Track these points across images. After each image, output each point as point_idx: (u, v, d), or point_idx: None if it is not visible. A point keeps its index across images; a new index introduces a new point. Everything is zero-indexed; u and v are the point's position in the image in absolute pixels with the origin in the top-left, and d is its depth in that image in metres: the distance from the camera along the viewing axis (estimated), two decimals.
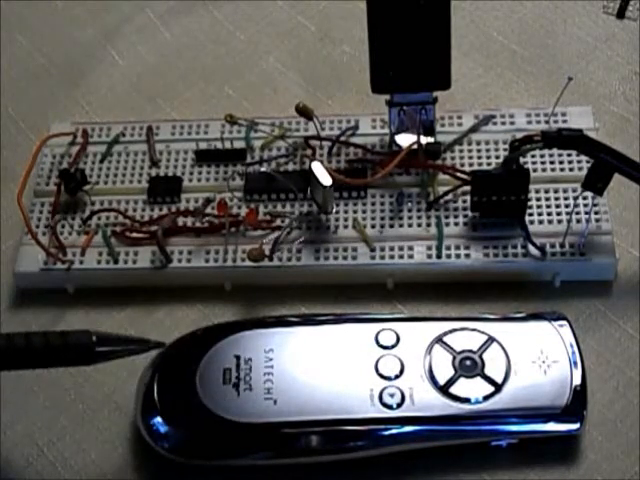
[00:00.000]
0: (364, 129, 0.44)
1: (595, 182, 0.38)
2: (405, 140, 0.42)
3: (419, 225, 0.41)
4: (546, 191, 0.41)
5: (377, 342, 0.37)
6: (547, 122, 0.43)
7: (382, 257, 0.40)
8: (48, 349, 0.34)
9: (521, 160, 0.39)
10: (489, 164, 0.42)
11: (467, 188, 0.40)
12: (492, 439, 0.35)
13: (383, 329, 0.37)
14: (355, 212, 0.41)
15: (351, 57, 0.48)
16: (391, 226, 0.41)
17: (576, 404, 0.35)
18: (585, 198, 0.40)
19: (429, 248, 0.40)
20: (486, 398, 0.35)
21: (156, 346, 0.36)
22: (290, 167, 0.43)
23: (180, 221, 0.42)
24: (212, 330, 0.38)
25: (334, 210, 0.41)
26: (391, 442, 0.35)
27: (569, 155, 0.42)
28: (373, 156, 0.43)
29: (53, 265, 0.41)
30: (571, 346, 0.36)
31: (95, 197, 0.43)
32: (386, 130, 0.43)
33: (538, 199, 0.41)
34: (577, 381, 0.35)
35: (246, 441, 0.35)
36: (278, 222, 0.41)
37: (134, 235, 0.41)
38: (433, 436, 0.35)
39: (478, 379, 0.36)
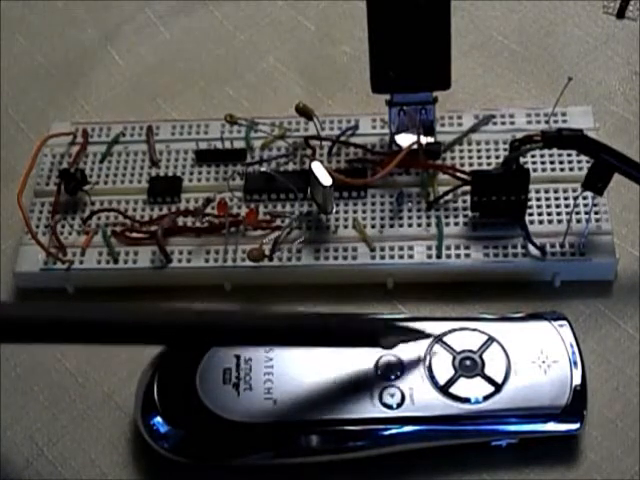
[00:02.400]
0: (364, 129, 0.44)
1: (595, 182, 0.38)
2: (405, 140, 0.42)
3: (419, 225, 0.41)
4: (546, 191, 0.41)
5: None
6: (547, 122, 0.43)
7: (382, 257, 0.40)
8: (345, 330, 0.35)
9: (521, 160, 0.39)
10: (489, 164, 0.42)
11: (467, 188, 0.40)
12: (492, 439, 0.35)
13: None
14: (355, 212, 0.41)
15: (351, 57, 0.48)
16: (391, 226, 0.41)
17: (576, 404, 0.35)
18: (585, 198, 0.40)
19: (429, 248, 0.40)
20: (486, 398, 0.35)
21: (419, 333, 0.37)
22: (290, 167, 0.43)
23: (180, 221, 0.42)
24: None
25: (334, 210, 0.41)
26: (391, 442, 0.35)
27: (569, 155, 0.42)
28: (373, 156, 0.43)
29: (53, 265, 0.41)
30: (571, 346, 0.36)
31: (95, 197, 0.43)
32: (386, 130, 0.43)
33: (538, 199, 0.41)
34: (577, 381, 0.35)
35: (246, 441, 0.35)
36: (278, 222, 0.41)
37: (134, 235, 0.41)
38: (433, 436, 0.35)
39: (478, 379, 0.36)
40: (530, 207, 0.40)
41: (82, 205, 0.43)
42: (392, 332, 0.36)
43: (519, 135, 0.40)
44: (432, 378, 0.36)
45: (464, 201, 0.41)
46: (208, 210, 0.41)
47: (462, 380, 0.36)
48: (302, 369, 0.36)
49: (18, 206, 0.40)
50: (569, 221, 0.40)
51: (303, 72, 0.48)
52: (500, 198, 0.39)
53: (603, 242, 0.39)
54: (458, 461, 0.36)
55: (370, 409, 0.35)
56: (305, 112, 0.43)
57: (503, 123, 0.43)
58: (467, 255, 0.40)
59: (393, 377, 0.36)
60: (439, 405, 0.35)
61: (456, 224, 0.40)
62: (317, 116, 0.43)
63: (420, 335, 0.36)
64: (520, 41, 0.48)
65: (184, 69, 0.49)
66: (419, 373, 0.36)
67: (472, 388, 0.35)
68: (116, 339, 0.33)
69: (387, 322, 0.36)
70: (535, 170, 0.41)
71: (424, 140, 0.42)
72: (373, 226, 0.41)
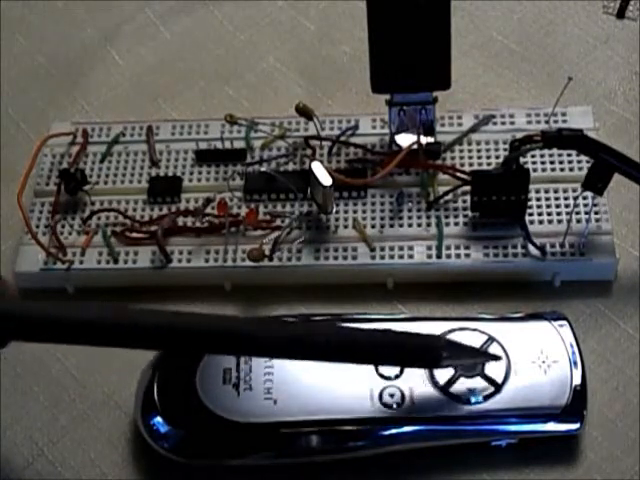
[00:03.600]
0: (364, 129, 0.44)
1: (595, 182, 0.38)
2: (405, 140, 0.42)
3: (419, 225, 0.41)
4: (546, 191, 0.41)
5: None
6: (547, 122, 0.43)
7: (382, 257, 0.40)
8: (401, 347, 0.34)
9: (521, 160, 0.39)
10: (489, 164, 0.42)
11: (467, 188, 0.40)
12: (492, 439, 0.35)
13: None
14: (355, 212, 0.41)
15: (351, 57, 0.48)
16: (391, 226, 0.41)
17: (576, 404, 0.35)
18: (585, 198, 0.40)
19: (429, 248, 0.40)
20: (486, 398, 0.35)
21: (494, 358, 0.36)
22: (290, 167, 0.43)
23: (180, 221, 0.42)
24: None
25: (334, 210, 0.41)
26: (391, 442, 0.35)
27: (569, 155, 0.42)
28: (373, 156, 0.43)
29: (53, 265, 0.41)
30: (571, 346, 0.36)
31: (95, 197, 0.43)
32: (386, 130, 0.43)
33: (538, 199, 0.41)
34: (577, 381, 0.35)
35: (246, 441, 0.35)
36: (278, 222, 0.41)
37: (134, 235, 0.41)
38: (433, 436, 0.35)
39: (478, 379, 0.36)
40: (530, 207, 0.40)
41: (82, 205, 0.43)
42: (452, 350, 0.35)
43: (519, 135, 0.40)
44: (432, 378, 0.36)
45: (464, 201, 0.41)
46: (208, 210, 0.41)
47: (462, 380, 0.36)
48: (302, 369, 0.36)
49: (18, 206, 0.40)
50: (569, 221, 0.40)
51: (303, 72, 0.48)
52: (500, 198, 0.39)
53: (603, 242, 0.39)
54: (458, 461, 0.36)
55: (370, 409, 0.35)
56: (305, 112, 0.43)
57: (503, 123, 0.43)
58: (467, 255, 0.40)
59: (393, 377, 0.36)
60: (439, 405, 0.35)
61: (456, 224, 0.40)
62: (317, 116, 0.43)
63: (482, 355, 0.36)
64: (520, 41, 0.48)
65: (184, 69, 0.49)
66: (419, 373, 0.36)
67: (472, 388, 0.35)
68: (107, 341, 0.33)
69: (448, 340, 0.35)
70: (535, 170, 0.41)
71: (424, 140, 0.42)
72: (373, 226, 0.41)
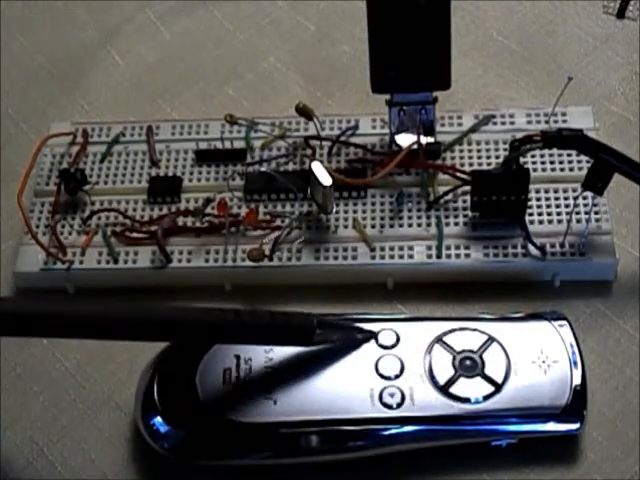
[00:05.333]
0: (364, 129, 0.44)
1: (595, 182, 0.38)
2: (405, 140, 0.42)
3: (419, 225, 0.41)
4: (546, 191, 0.41)
5: (377, 342, 0.37)
6: (547, 122, 0.43)
7: (382, 257, 0.40)
8: (273, 327, 0.35)
9: (521, 160, 0.39)
10: (489, 164, 0.42)
11: (467, 188, 0.40)
12: (492, 439, 0.35)
13: (383, 329, 0.37)
14: (355, 212, 0.41)
15: (351, 57, 0.48)
16: (391, 226, 0.41)
17: (576, 404, 0.35)
18: (585, 198, 0.40)
19: (429, 248, 0.40)
20: (486, 398, 0.35)
21: (368, 334, 0.37)
22: (290, 167, 0.43)
23: (180, 221, 0.42)
24: None
25: (334, 210, 0.41)
26: (391, 442, 0.35)
27: (569, 155, 0.42)
28: (373, 156, 0.43)
29: (53, 265, 0.41)
30: (571, 346, 0.36)
31: (95, 197, 0.43)
32: (386, 130, 0.43)
33: (538, 199, 0.41)
34: (577, 381, 0.35)
35: (246, 441, 0.35)
36: (278, 222, 0.41)
37: (134, 235, 0.41)
38: (433, 436, 0.35)
39: (478, 379, 0.36)
40: (530, 207, 0.40)
41: (82, 205, 0.43)
42: (324, 328, 0.36)
43: (519, 135, 0.40)
44: (432, 378, 0.36)
45: (464, 201, 0.41)
46: (208, 210, 0.41)
47: (462, 380, 0.36)
48: (302, 369, 0.36)
49: (18, 206, 0.40)
50: (569, 221, 0.40)
51: (303, 72, 0.48)
52: (500, 198, 0.39)
53: (603, 242, 0.39)
54: (458, 461, 0.36)
55: (370, 409, 0.35)
56: (305, 112, 0.43)
57: (503, 123, 0.43)
58: (467, 255, 0.40)
59: (393, 377, 0.36)
60: (439, 405, 0.35)
61: (456, 224, 0.40)
62: (317, 116, 0.43)
63: (355, 332, 0.37)
64: (520, 41, 0.48)
65: (184, 69, 0.49)
66: (419, 373, 0.36)
67: (472, 388, 0.35)
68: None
69: (319, 318, 0.36)
70: (535, 170, 0.41)
71: (424, 140, 0.42)
72: (373, 226, 0.41)
